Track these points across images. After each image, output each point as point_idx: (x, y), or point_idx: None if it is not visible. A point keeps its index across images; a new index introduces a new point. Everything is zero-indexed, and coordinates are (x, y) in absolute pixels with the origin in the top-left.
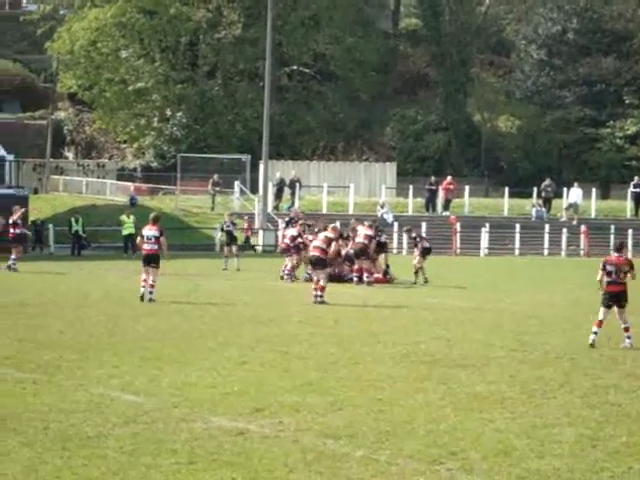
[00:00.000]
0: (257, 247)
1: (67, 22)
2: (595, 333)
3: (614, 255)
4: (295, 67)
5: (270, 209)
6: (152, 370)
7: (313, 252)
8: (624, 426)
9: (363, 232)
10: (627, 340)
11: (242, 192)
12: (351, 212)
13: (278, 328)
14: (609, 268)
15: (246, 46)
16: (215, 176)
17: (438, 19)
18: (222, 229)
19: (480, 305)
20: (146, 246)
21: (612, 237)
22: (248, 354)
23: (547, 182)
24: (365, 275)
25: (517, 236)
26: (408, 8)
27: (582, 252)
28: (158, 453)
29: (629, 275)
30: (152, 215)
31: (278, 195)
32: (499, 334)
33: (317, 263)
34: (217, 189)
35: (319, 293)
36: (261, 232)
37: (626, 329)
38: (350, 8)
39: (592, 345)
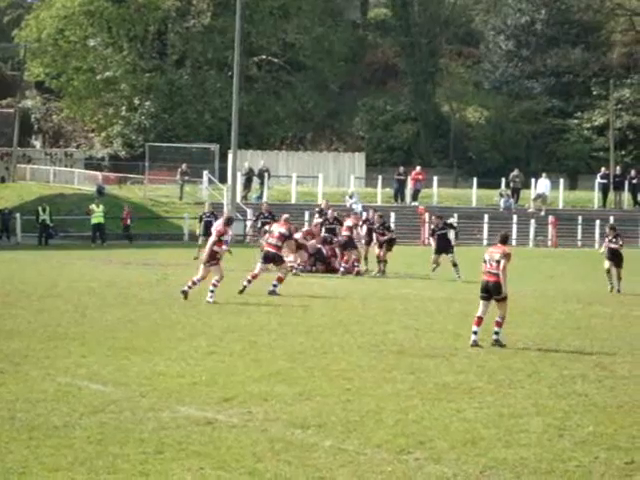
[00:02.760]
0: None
1: (35, 10)
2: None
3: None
4: (264, 57)
5: (239, 199)
6: (120, 360)
7: (268, 248)
8: (591, 416)
9: (345, 224)
10: (494, 335)
11: (210, 182)
12: (320, 202)
13: (247, 318)
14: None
15: (215, 35)
16: (183, 165)
17: (407, 9)
18: (201, 219)
19: (449, 295)
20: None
21: (580, 228)
22: (216, 344)
23: (515, 173)
24: (355, 264)
25: (485, 226)
26: None
27: (550, 242)
28: (126, 442)
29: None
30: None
31: (247, 185)
32: (468, 324)
33: (273, 259)
34: (185, 179)
35: (275, 283)
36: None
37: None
38: None
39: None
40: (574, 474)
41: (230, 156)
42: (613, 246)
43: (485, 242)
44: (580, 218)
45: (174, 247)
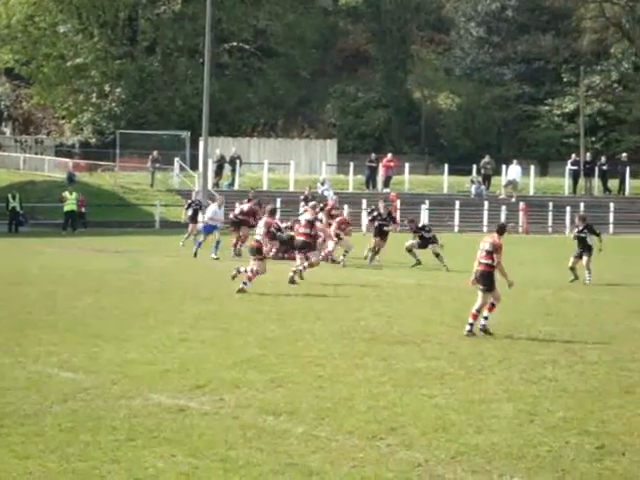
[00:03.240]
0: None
1: None
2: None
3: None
4: (235, 44)
5: (210, 186)
6: (91, 347)
7: (299, 237)
8: (561, 401)
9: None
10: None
11: (182, 169)
12: (292, 189)
13: (219, 305)
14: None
15: (186, 22)
16: (154, 152)
17: None
18: (189, 206)
19: (420, 282)
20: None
21: (550, 214)
22: (188, 331)
23: (486, 159)
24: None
25: (457, 213)
26: None
27: (521, 229)
28: (97, 430)
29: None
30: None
31: (218, 172)
32: (439, 311)
33: (303, 246)
34: (156, 166)
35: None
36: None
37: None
38: None
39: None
40: (545, 459)
41: (201, 143)
42: (582, 235)
43: (456, 229)
44: (551, 204)
45: (145, 234)
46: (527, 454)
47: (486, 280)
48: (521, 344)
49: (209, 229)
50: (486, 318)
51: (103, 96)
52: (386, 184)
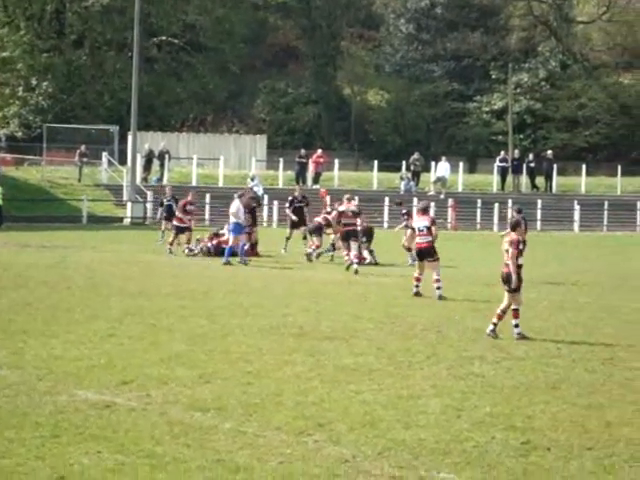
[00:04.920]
0: (126, 219)
1: None
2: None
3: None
4: (164, 38)
5: (139, 181)
6: (16, 343)
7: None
8: (488, 397)
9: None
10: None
11: (110, 163)
12: (221, 184)
13: (147, 300)
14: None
15: (114, 15)
16: (82, 147)
17: None
18: (162, 203)
19: (349, 278)
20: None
21: (479, 211)
22: (115, 327)
23: (415, 156)
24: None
25: (386, 209)
26: None
27: (449, 225)
28: (22, 427)
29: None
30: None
31: (147, 167)
32: (367, 307)
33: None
34: (84, 160)
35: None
36: (129, 204)
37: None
38: None
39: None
40: (471, 454)
41: (130, 137)
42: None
43: (385, 225)
44: (479, 201)
45: (73, 229)
46: (454, 449)
47: (509, 280)
48: (449, 340)
49: (238, 230)
50: (516, 326)
51: (30, 89)
52: (316, 180)
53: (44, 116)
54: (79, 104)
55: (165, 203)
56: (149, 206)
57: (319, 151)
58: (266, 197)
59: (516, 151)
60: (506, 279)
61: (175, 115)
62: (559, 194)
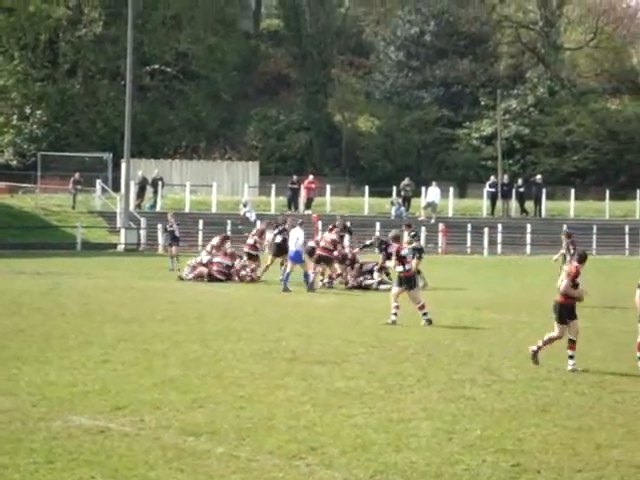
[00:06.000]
0: (120, 245)
1: None
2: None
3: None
4: (157, 66)
5: (132, 208)
6: (10, 369)
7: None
8: (479, 419)
9: (329, 237)
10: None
11: (104, 191)
12: (214, 211)
13: (140, 326)
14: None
15: (107, 45)
16: (76, 174)
17: (299, 20)
18: (165, 229)
19: (341, 302)
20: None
21: (469, 235)
22: (109, 352)
23: (406, 181)
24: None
25: (377, 234)
26: (269, 9)
27: (440, 250)
28: (16, 452)
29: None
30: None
31: (140, 194)
32: (359, 331)
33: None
34: (78, 187)
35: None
36: (123, 231)
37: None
38: (211, 8)
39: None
40: (462, 477)
41: (123, 165)
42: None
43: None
44: (469, 226)
45: (67, 256)
46: (445, 472)
47: (558, 312)
48: (440, 363)
49: (298, 259)
50: (571, 357)
51: (24, 118)
52: (308, 206)
53: (38, 144)
54: (73, 132)
55: (168, 229)
56: (142, 233)
57: (310, 177)
58: (259, 223)
59: (505, 176)
60: (554, 309)
61: (168, 143)
62: (548, 218)
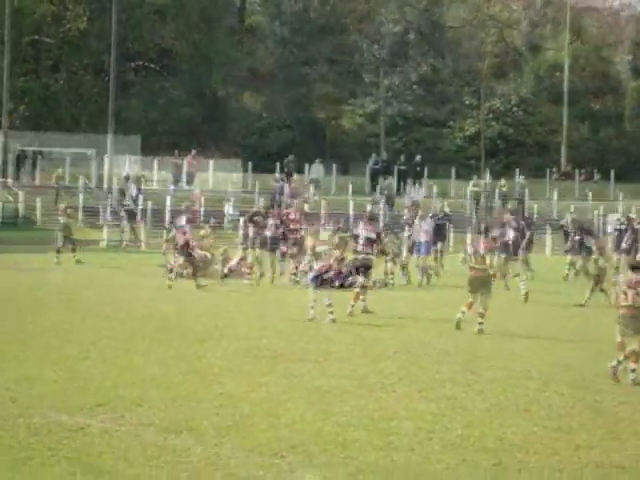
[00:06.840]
0: (102, 241)
1: None
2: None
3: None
4: (141, 62)
5: (115, 204)
6: None
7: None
8: (460, 418)
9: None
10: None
11: (87, 186)
12: (196, 206)
13: (121, 324)
14: None
15: (91, 40)
16: (59, 170)
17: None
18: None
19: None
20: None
21: (452, 234)
22: (90, 350)
23: (389, 180)
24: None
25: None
26: (253, 5)
27: None
28: None
29: None
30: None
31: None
32: (340, 329)
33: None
34: (61, 183)
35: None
36: (106, 227)
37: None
38: (196, 4)
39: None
40: (442, 476)
41: (106, 161)
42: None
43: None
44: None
45: (47, 252)
46: (425, 471)
47: (633, 324)
48: (421, 362)
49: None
50: (633, 371)
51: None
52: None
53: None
54: (56, 128)
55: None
56: (125, 229)
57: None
58: (242, 219)
59: (488, 176)
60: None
61: (149, 138)
62: (530, 217)
